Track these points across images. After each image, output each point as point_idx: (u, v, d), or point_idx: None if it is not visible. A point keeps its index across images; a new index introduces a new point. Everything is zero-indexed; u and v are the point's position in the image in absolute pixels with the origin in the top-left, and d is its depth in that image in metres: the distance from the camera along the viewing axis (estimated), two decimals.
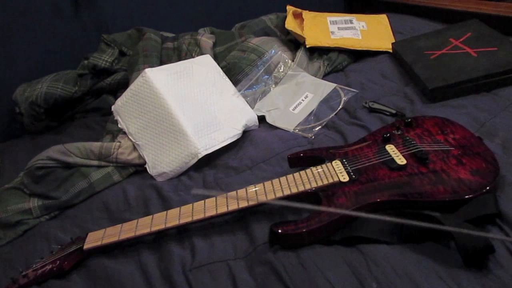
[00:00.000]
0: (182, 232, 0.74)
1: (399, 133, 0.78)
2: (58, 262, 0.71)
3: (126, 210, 0.86)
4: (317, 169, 0.73)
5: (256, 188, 0.72)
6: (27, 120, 1.19)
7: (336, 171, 0.71)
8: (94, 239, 0.72)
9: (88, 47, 1.31)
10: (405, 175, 0.68)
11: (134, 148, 0.97)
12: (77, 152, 0.95)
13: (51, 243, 0.79)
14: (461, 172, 0.65)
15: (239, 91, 1.10)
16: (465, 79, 0.92)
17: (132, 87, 0.97)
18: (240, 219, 0.74)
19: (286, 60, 1.16)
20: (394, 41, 1.23)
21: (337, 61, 1.20)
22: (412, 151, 0.72)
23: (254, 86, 1.12)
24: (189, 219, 0.70)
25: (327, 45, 1.22)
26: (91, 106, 1.28)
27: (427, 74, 0.97)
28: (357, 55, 1.24)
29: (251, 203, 0.70)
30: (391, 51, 1.19)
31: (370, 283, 0.57)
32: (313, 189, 0.70)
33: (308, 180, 0.71)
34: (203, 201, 0.72)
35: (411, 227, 0.62)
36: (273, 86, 1.13)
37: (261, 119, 1.05)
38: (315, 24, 1.31)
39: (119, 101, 1.00)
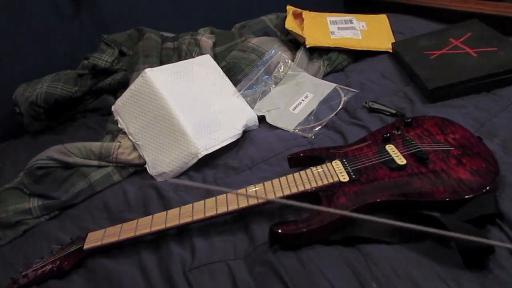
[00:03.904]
0: (182, 232, 0.74)
1: (399, 133, 0.78)
2: (58, 262, 0.71)
3: (126, 210, 0.86)
4: (317, 169, 0.73)
5: (256, 188, 0.72)
6: (27, 120, 1.19)
7: (336, 171, 0.71)
8: (94, 239, 0.72)
9: (88, 47, 1.31)
10: (405, 175, 0.68)
11: (134, 148, 0.97)
12: (77, 152, 0.95)
13: (51, 243, 0.79)
14: (461, 172, 0.65)
15: (239, 91, 1.10)
16: (465, 79, 0.92)
17: (132, 87, 0.97)
18: (240, 219, 0.74)
19: (286, 60, 1.17)
20: (394, 41, 1.23)
21: (337, 61, 1.20)
22: (412, 151, 0.72)
23: (254, 86, 1.12)
24: (189, 219, 0.70)
25: (327, 45, 1.22)
26: (91, 106, 1.28)
27: (427, 74, 0.97)
28: (357, 55, 1.24)
29: (251, 202, 0.70)
30: (391, 51, 1.19)
31: (370, 283, 0.57)
32: (313, 189, 0.70)
33: (308, 180, 0.71)
34: (203, 201, 0.73)
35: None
36: (273, 86, 1.13)
37: (261, 119, 1.05)
38: (315, 24, 1.31)
39: (119, 101, 1.00)
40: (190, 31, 1.31)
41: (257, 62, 1.16)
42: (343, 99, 1.04)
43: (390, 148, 0.74)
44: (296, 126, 0.99)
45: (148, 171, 0.94)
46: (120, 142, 0.98)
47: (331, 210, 0.65)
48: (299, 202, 0.50)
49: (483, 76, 0.91)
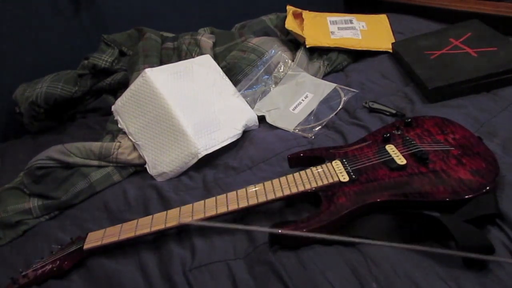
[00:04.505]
0: (182, 232, 0.74)
1: (399, 133, 0.78)
2: (58, 262, 0.71)
3: (126, 210, 0.86)
4: (317, 169, 0.73)
5: (256, 188, 0.72)
6: (27, 120, 1.19)
7: (336, 171, 0.71)
8: (94, 239, 0.72)
9: (88, 47, 1.31)
10: (405, 175, 0.68)
11: (134, 148, 0.97)
12: (77, 152, 0.95)
13: (51, 243, 0.79)
14: (461, 172, 0.65)
15: (239, 91, 1.10)
16: (465, 79, 0.92)
17: (132, 87, 0.97)
18: (240, 219, 0.74)
19: (286, 60, 1.16)
20: (394, 41, 1.23)
21: (337, 61, 1.20)
22: (412, 151, 0.72)
23: (254, 86, 1.12)
24: (189, 219, 0.70)
25: (327, 45, 1.22)
26: (91, 106, 1.28)
27: (427, 74, 0.97)
28: (357, 55, 1.24)
29: (251, 203, 0.70)
30: (391, 51, 1.19)
31: (370, 283, 0.57)
32: (313, 189, 0.70)
33: (308, 180, 0.71)
34: (203, 201, 0.73)
35: (410, 227, 0.63)
36: (273, 86, 1.13)
37: (261, 119, 1.05)
38: (315, 24, 1.31)
39: (119, 101, 1.00)
40: (190, 31, 1.31)
41: (257, 62, 1.16)
42: (343, 99, 1.04)
43: (390, 148, 0.74)
44: (296, 126, 0.99)
45: (148, 171, 0.94)
46: (120, 142, 0.98)
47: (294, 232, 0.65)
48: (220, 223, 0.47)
49: (483, 76, 0.91)
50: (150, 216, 0.73)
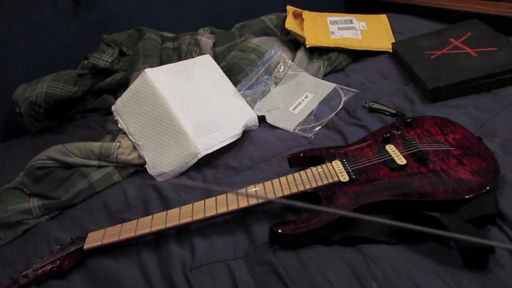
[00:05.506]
0: (182, 232, 0.74)
1: (399, 133, 0.78)
2: (58, 262, 0.71)
3: (126, 210, 0.86)
4: (317, 169, 0.73)
5: (256, 188, 0.72)
6: (27, 120, 1.19)
7: (336, 171, 0.71)
8: (94, 239, 0.72)
9: (88, 47, 1.31)
10: (405, 175, 0.68)
11: (134, 148, 0.97)
12: (77, 152, 0.95)
13: (51, 243, 0.79)
14: (461, 172, 0.65)
15: (239, 91, 1.10)
16: (465, 79, 0.92)
17: (132, 87, 0.97)
18: (240, 219, 0.74)
19: (286, 60, 1.16)
20: (394, 41, 1.23)
21: (337, 61, 1.20)
22: (412, 151, 0.72)
23: (254, 86, 1.12)
24: (189, 219, 0.70)
25: (327, 45, 1.22)
26: (91, 106, 1.28)
27: (427, 74, 0.97)
28: (357, 55, 1.24)
29: (251, 202, 0.70)
30: (391, 51, 1.19)
31: (370, 283, 0.57)
32: (313, 189, 0.70)
33: (308, 180, 0.71)
34: (203, 201, 0.73)
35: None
36: (273, 86, 1.13)
37: (261, 119, 1.05)
38: (315, 24, 1.31)
39: (119, 101, 1.00)
40: (190, 31, 1.31)
41: (257, 62, 1.16)
42: (343, 99, 1.04)
43: (390, 148, 0.74)
44: (296, 126, 0.99)
45: (148, 171, 0.94)
46: (120, 142, 0.98)
47: (334, 210, 0.65)
48: (301, 202, 0.50)
49: (483, 76, 0.91)
50: (150, 216, 0.73)
